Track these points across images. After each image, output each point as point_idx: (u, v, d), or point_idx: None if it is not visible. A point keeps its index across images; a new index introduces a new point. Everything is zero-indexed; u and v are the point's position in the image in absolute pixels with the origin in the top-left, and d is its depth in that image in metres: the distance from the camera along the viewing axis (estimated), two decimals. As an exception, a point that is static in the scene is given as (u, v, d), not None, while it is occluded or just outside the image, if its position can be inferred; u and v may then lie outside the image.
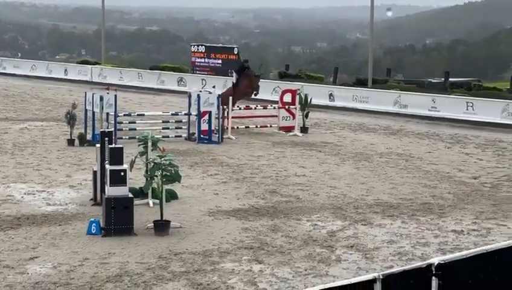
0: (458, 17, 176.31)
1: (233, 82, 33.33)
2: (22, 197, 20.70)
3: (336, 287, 12.08)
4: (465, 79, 51.47)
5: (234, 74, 33.31)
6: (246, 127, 32.33)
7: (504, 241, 15.25)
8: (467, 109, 36.27)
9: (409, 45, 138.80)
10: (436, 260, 13.50)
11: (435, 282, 12.94)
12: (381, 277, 12.42)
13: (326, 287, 12.23)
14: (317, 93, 38.19)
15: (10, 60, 63.50)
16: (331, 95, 41.79)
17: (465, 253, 14.25)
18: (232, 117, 31.39)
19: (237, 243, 16.73)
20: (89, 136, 28.58)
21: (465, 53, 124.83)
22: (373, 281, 12.33)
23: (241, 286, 14.11)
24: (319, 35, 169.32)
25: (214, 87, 34.72)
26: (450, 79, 47.41)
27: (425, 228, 18.20)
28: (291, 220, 18.80)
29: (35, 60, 62.86)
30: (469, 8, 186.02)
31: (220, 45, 58.28)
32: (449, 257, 13.92)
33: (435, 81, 50.57)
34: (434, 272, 12.95)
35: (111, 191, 17.43)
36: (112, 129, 24.64)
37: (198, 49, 51.66)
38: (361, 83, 45.70)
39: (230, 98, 31.29)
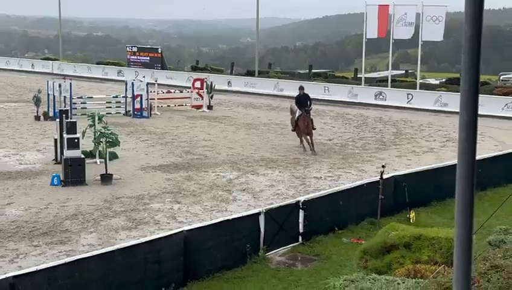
0: (319, 26, 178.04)
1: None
2: (0, 159, 20.09)
3: (233, 219, 12.19)
4: (323, 70, 52.03)
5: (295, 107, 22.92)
6: (167, 105, 32.03)
7: (349, 183, 15.68)
8: (324, 92, 36.70)
9: (284, 46, 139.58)
10: (302, 198, 13.77)
11: (301, 213, 13.21)
12: (264, 211, 12.60)
13: (226, 218, 12.33)
14: (219, 81, 38.06)
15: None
16: (229, 82, 41.68)
17: (322, 193, 14.58)
18: (158, 99, 31.07)
19: (162, 189, 16.68)
20: (51, 113, 27.87)
21: (323, 52, 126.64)
22: (258, 213, 12.50)
23: (164, 220, 14.11)
24: (220, 39, 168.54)
25: (144, 77, 34.16)
26: (313, 70, 47.95)
27: (294, 176, 18.49)
28: (201, 172, 18.81)
29: (9, 57, 60.51)
30: (326, 20, 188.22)
31: (148, 46, 57.34)
32: (311, 195, 14.23)
33: (302, 72, 51.00)
34: (301, 206, 13.20)
35: (68, 153, 17.16)
36: (68, 108, 24.10)
37: (132, 49, 50.79)
38: (250, 73, 45.81)
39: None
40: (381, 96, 34.76)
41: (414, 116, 30.59)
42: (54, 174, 17.22)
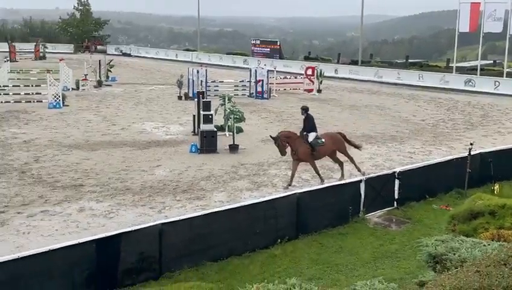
0: (415, 22, 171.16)
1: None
2: (151, 130, 20.96)
3: (338, 185, 12.09)
4: (418, 60, 50.10)
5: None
6: (284, 89, 32.09)
7: (439, 158, 15.09)
8: (419, 79, 35.42)
9: (384, 39, 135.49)
10: (398, 169, 13.41)
11: (397, 182, 12.88)
12: (364, 179, 12.40)
13: (331, 184, 12.24)
14: (327, 69, 37.59)
15: (144, 48, 63.55)
16: (336, 70, 41.08)
17: (415, 165, 14.14)
18: (276, 83, 31.19)
19: (278, 159, 16.72)
20: (190, 94, 28.68)
21: (418, 44, 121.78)
22: (360, 181, 12.32)
23: (280, 184, 14.20)
24: (329, 34, 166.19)
25: (275, 67, 34.34)
26: (409, 60, 46.27)
27: (391, 150, 18.03)
28: (310, 145, 18.73)
29: (157, 48, 62.81)
30: (422, 16, 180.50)
31: (268, 39, 57.52)
32: (406, 167, 13.82)
33: (400, 61, 49.34)
34: (396, 176, 12.87)
35: (203, 127, 17.56)
36: (204, 90, 24.69)
37: (255, 42, 51.16)
38: (354, 62, 44.94)
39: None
40: (470, 83, 33.08)
41: (501, 101, 28.90)
42: (192, 144, 17.72)
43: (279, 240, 10.56)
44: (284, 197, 11.08)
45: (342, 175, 14.34)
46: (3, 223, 10.99)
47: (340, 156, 14.71)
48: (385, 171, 13.54)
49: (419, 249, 6.85)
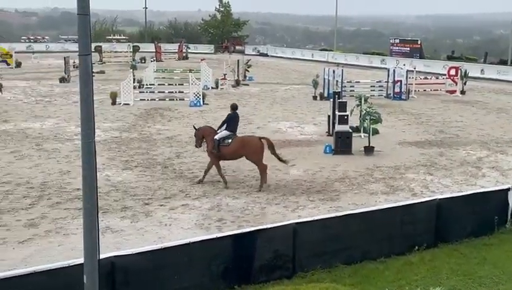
0: None
1: None
2: (286, 129, 21.32)
3: (483, 192, 11.48)
4: None
5: None
6: (423, 90, 31.01)
7: None
8: None
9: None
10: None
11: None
12: (513, 187, 11.63)
13: (475, 191, 11.65)
14: (472, 69, 35.73)
15: (280, 48, 64.79)
16: (482, 70, 38.95)
17: None
18: (415, 84, 30.25)
19: (416, 162, 16.30)
20: (325, 94, 28.75)
21: None
22: (508, 189, 11.58)
23: (418, 189, 13.78)
24: (474, 31, 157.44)
25: (415, 68, 33.45)
26: None
27: (545, 158, 16.73)
28: (452, 149, 17.97)
29: (294, 48, 63.68)
30: None
31: (408, 38, 55.86)
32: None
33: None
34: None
35: (338, 127, 17.52)
36: (340, 90, 24.63)
37: (394, 41, 50.07)
38: (503, 62, 42.25)
39: None
40: None
41: None
42: (326, 144, 17.76)
43: (416, 247, 10.25)
44: (423, 202, 10.73)
45: (261, 184, 13.50)
46: (148, 215, 11.81)
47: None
48: (537, 180, 12.60)
49: None
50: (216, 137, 13.63)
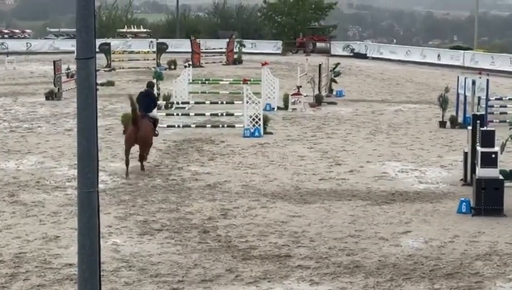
0: None
1: None
2: (396, 174, 21.14)
3: None
4: None
5: None
6: None
7: None
8: None
9: None
10: None
11: None
12: None
13: None
14: None
15: (386, 45, 64.82)
16: None
17: None
18: None
19: None
20: (460, 119, 28.40)
21: None
22: None
23: None
24: None
25: None
26: None
27: None
28: None
29: (409, 46, 63.49)
30: None
31: None
32: None
33: None
34: None
35: (482, 172, 17.18)
36: (483, 112, 24.26)
37: None
38: None
39: None
40: None
41: None
42: (462, 199, 17.43)
43: None
44: None
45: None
46: (177, 308, 11.85)
47: None
48: None
49: None
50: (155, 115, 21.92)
